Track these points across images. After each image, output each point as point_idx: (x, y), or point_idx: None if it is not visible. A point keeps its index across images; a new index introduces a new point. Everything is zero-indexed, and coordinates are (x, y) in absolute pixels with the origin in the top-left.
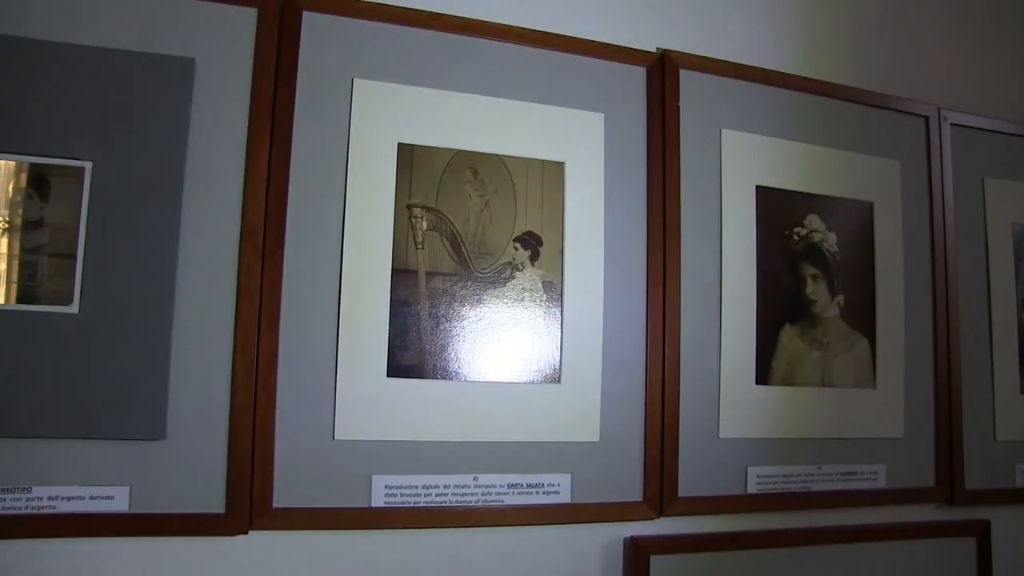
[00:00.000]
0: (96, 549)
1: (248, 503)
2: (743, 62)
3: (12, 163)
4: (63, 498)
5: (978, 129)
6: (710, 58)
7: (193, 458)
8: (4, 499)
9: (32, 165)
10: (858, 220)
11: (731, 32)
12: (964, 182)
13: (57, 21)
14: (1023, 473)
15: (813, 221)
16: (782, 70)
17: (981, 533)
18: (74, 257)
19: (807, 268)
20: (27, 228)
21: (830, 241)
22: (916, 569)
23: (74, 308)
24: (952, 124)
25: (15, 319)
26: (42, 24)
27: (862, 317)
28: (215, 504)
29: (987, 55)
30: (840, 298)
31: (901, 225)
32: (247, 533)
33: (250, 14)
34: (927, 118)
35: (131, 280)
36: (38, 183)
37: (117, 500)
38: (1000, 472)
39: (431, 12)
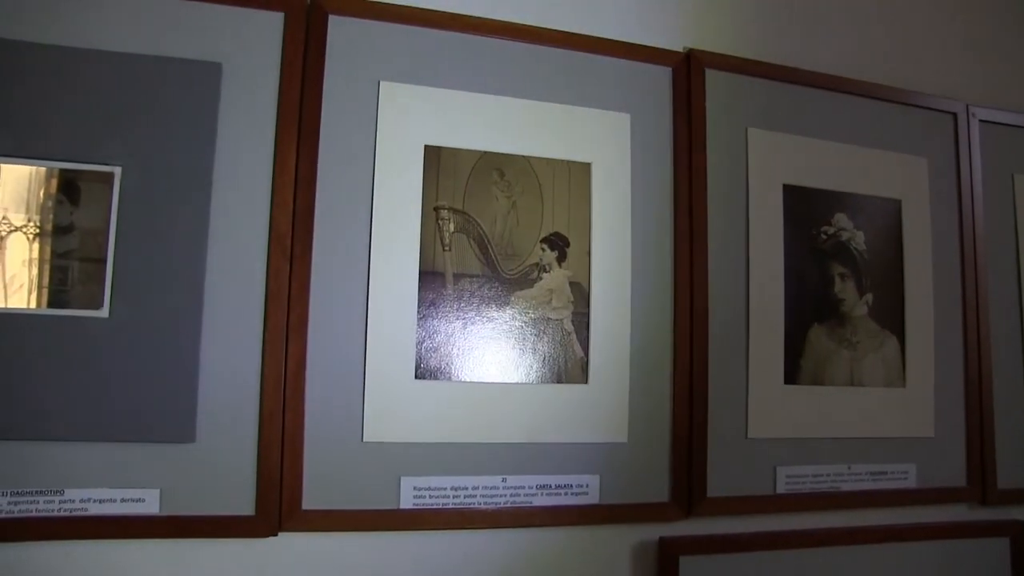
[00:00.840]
0: (127, 551)
1: (278, 505)
2: (768, 60)
3: (43, 169)
4: (95, 500)
5: (1007, 125)
6: (736, 57)
7: (223, 461)
8: (37, 501)
9: (62, 171)
10: (886, 218)
11: (756, 30)
12: (993, 179)
13: (85, 28)
14: None
15: (840, 219)
16: (808, 68)
17: (1015, 533)
18: (104, 261)
19: (835, 267)
20: (58, 233)
21: (858, 239)
22: (948, 570)
23: (104, 312)
24: (981, 120)
25: (47, 323)
26: (70, 31)
27: (891, 316)
28: (245, 506)
29: (1016, 51)
30: (868, 297)
31: (929, 223)
32: (277, 535)
33: (276, 18)
34: (955, 115)
35: (160, 284)
36: (68, 188)
37: (148, 502)
38: None
39: (456, 14)
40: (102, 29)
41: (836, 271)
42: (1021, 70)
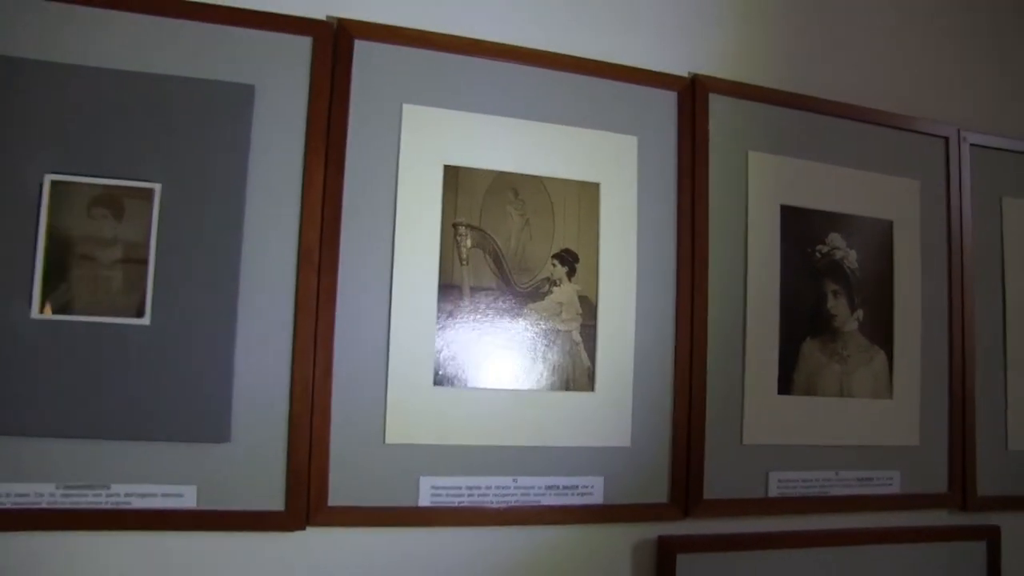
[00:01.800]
0: (166, 542)
1: (306, 501)
2: (769, 85)
3: (89, 184)
4: (137, 495)
5: (996, 149)
6: (737, 82)
7: (255, 459)
8: (86, 495)
9: (106, 187)
10: (878, 238)
11: (757, 56)
12: (982, 201)
13: (127, 51)
14: None
15: (835, 239)
16: (806, 93)
17: (992, 538)
18: (145, 272)
19: (828, 284)
20: (102, 245)
21: (851, 258)
22: (928, 571)
23: (146, 320)
24: (971, 144)
25: (93, 331)
26: (113, 54)
27: (880, 331)
28: (275, 502)
29: (1005, 78)
30: (859, 313)
31: (920, 242)
32: (304, 529)
33: (305, 43)
34: (947, 139)
35: (197, 294)
36: (112, 203)
37: (186, 497)
38: (1011, 480)
39: (474, 39)
40: (143, 53)
41: (829, 288)
42: (1010, 96)
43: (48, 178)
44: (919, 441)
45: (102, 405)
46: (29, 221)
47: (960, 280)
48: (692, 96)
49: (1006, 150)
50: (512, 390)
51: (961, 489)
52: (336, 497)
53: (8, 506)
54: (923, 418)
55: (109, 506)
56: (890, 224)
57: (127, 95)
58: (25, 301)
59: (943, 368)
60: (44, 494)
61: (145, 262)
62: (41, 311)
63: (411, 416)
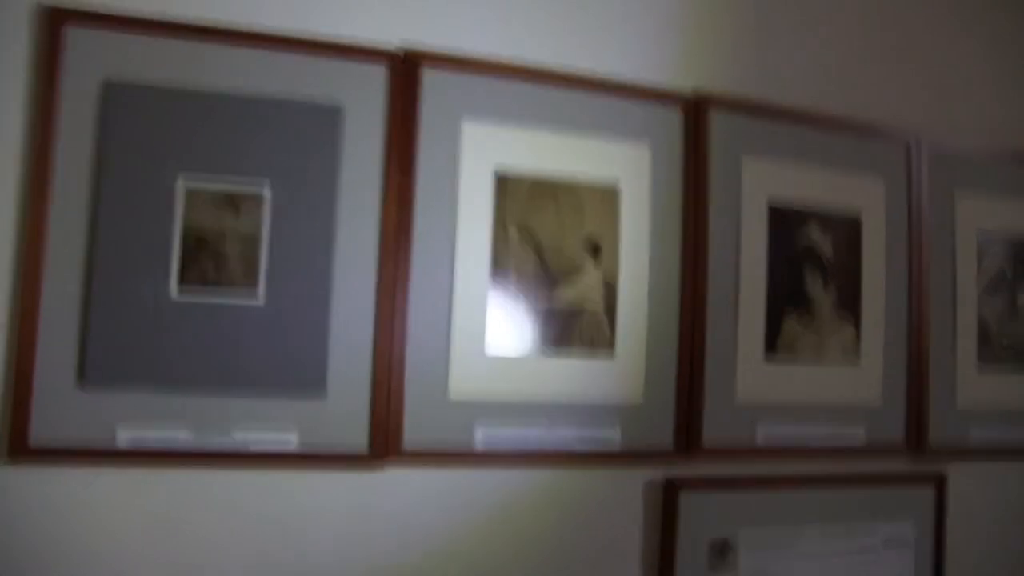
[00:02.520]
0: (275, 478)
1: (385, 446)
2: (760, 99)
3: (214, 188)
4: (253, 439)
5: (951, 154)
6: (734, 98)
7: (345, 411)
8: (212, 438)
9: (228, 190)
10: (848, 229)
11: (752, 74)
12: (937, 198)
13: (241, 79)
14: (976, 436)
15: (812, 230)
16: (790, 104)
17: (939, 483)
18: (258, 260)
19: (806, 268)
20: (225, 238)
21: (826, 247)
22: (888, 510)
23: (260, 301)
24: (930, 148)
25: (218, 308)
26: (231, 82)
27: (850, 307)
28: (361, 446)
29: (960, 88)
30: (833, 292)
31: (884, 233)
32: (383, 469)
33: (381, 70)
34: (908, 144)
35: (300, 278)
36: (233, 203)
37: (290, 442)
38: (958, 433)
39: (518, 65)
40: (254, 80)
41: (807, 271)
42: (965, 105)
43: (182, 182)
44: (881, 400)
45: (225, 367)
46: (168, 219)
47: (918, 265)
48: (696, 110)
49: (960, 153)
50: (549, 356)
51: (916, 441)
52: (409, 442)
53: (152, 447)
54: (885, 381)
55: (230, 448)
56: (858, 217)
57: (242, 115)
58: (166, 283)
59: (902, 339)
60: (180, 438)
61: (258, 252)
62: (178, 291)
63: (468, 377)
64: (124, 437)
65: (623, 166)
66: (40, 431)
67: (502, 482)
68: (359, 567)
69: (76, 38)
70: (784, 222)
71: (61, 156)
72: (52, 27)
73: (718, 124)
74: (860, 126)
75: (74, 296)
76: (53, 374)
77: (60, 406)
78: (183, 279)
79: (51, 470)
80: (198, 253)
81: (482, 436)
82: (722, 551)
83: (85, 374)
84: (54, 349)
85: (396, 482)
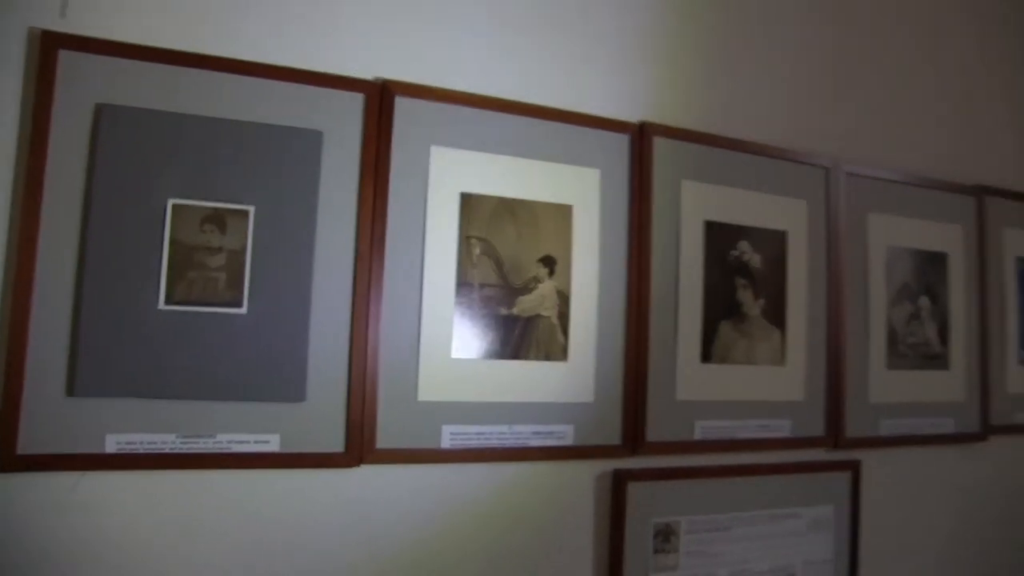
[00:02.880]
0: (258, 477)
1: (360, 446)
2: (698, 129)
3: (201, 206)
4: (236, 442)
5: (866, 176)
6: (675, 127)
7: (323, 414)
8: (198, 442)
9: (213, 208)
10: (776, 244)
11: (691, 105)
12: (853, 216)
13: (228, 104)
14: (886, 427)
15: (744, 246)
16: (724, 134)
17: (854, 469)
18: (243, 273)
19: (739, 280)
20: (211, 253)
21: (755, 260)
22: (810, 495)
23: (244, 310)
24: (847, 172)
25: (204, 318)
26: (218, 106)
27: (777, 314)
28: (338, 446)
29: (875, 116)
30: (761, 301)
31: (806, 248)
32: (359, 466)
33: (359, 98)
34: (827, 168)
35: (281, 289)
36: (219, 221)
37: (272, 443)
38: (869, 425)
39: (483, 95)
40: (240, 105)
41: (739, 283)
42: (877, 134)
43: (170, 201)
44: (803, 397)
45: (211, 374)
46: (157, 234)
47: (836, 276)
48: (641, 138)
49: (872, 177)
50: (508, 360)
51: (834, 433)
52: (382, 441)
53: (141, 451)
54: (807, 380)
55: (215, 451)
56: (784, 234)
57: (229, 138)
58: (154, 295)
59: (822, 342)
60: (167, 441)
61: (243, 265)
62: (166, 303)
63: (436, 380)
64: (112, 442)
65: (576, 188)
66: (29, 439)
67: (467, 477)
68: (337, 559)
69: (70, 62)
70: (719, 239)
71: (54, 174)
72: (46, 51)
73: (661, 151)
74: (785, 153)
75: (65, 308)
76: (44, 383)
77: (50, 414)
78: (170, 291)
79: (41, 475)
80: (185, 267)
81: (448, 435)
82: (666, 535)
83: (75, 383)
84: (45, 359)
85: (371, 479)
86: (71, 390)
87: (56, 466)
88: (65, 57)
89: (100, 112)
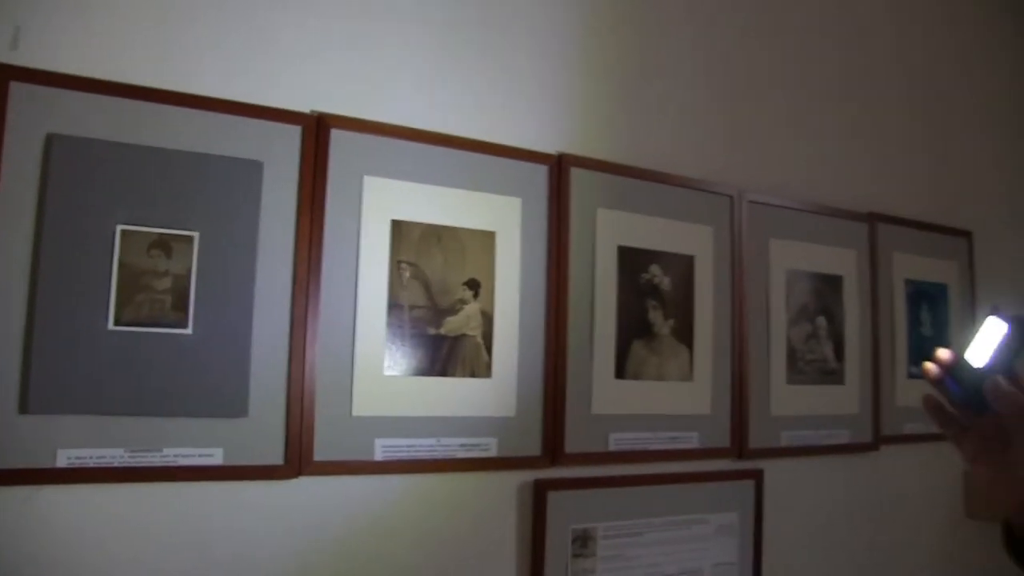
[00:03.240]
0: (203, 489)
1: (299, 458)
2: (611, 160)
3: (148, 232)
4: (182, 455)
5: (767, 204)
6: (592, 158)
7: (264, 428)
8: (145, 455)
9: (160, 234)
10: (684, 268)
11: (605, 137)
12: (755, 241)
13: (174, 135)
14: (786, 438)
15: (654, 269)
16: (636, 164)
17: (758, 478)
18: (188, 296)
19: (649, 301)
20: (157, 277)
21: (665, 283)
22: (718, 502)
23: (189, 331)
24: (749, 200)
25: (151, 338)
26: (165, 137)
27: (685, 333)
28: (278, 458)
29: (775, 149)
30: (671, 321)
31: (712, 271)
32: (298, 477)
33: (296, 130)
34: (731, 196)
35: (225, 311)
36: (165, 246)
37: (216, 457)
38: (771, 436)
39: (412, 128)
40: (186, 136)
41: (650, 304)
42: (779, 163)
43: (119, 227)
44: (710, 410)
45: (158, 391)
46: (106, 259)
47: (740, 298)
48: (559, 169)
49: (773, 205)
50: (436, 378)
51: (739, 443)
52: (319, 454)
53: (91, 465)
54: (713, 394)
55: (162, 464)
56: (692, 258)
57: (175, 167)
58: (103, 317)
59: (727, 359)
60: (117, 456)
61: (188, 288)
62: (115, 324)
63: (369, 396)
64: (64, 457)
65: (499, 216)
66: None
67: (399, 487)
68: (278, 567)
69: (21, 94)
70: (631, 263)
71: (6, 201)
72: None
73: (577, 181)
74: (693, 182)
75: (18, 329)
76: None
77: (3, 431)
78: (119, 313)
79: None
80: (133, 290)
81: (381, 448)
82: (584, 541)
83: (27, 400)
84: None
85: (309, 490)
86: (24, 407)
87: (9, 481)
88: (16, 88)
89: (51, 142)
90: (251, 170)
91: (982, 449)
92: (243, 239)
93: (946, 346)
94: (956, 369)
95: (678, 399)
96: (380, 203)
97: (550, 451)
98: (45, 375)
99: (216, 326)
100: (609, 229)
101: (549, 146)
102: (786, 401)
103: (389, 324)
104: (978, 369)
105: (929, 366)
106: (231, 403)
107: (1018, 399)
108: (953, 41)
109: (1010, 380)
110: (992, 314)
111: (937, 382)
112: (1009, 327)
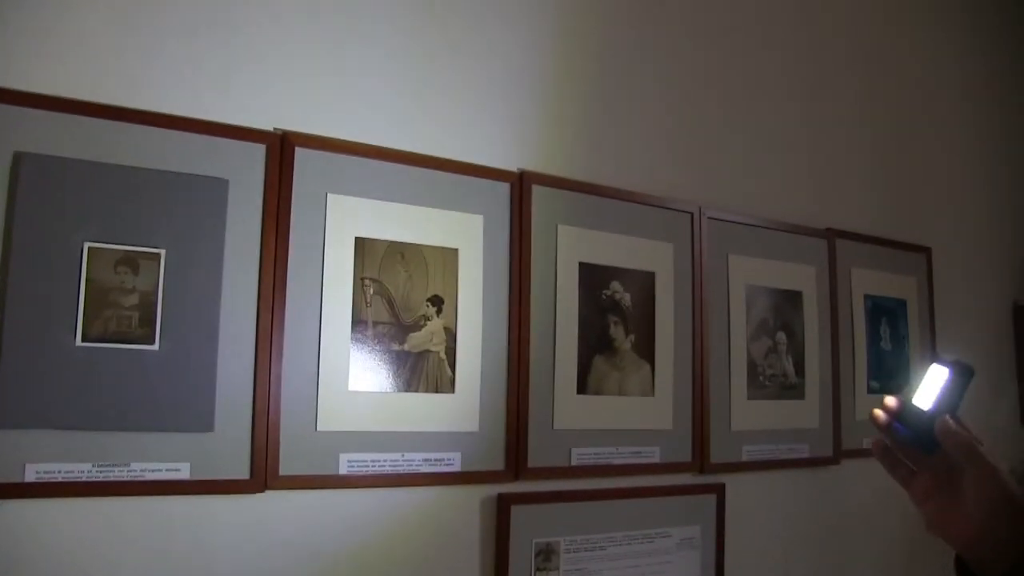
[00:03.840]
0: (170, 503)
1: (264, 472)
2: (573, 177)
3: (115, 249)
4: (149, 470)
5: (726, 221)
6: (552, 175)
7: (230, 443)
8: (112, 470)
9: (126, 251)
10: (645, 284)
11: (566, 155)
12: (715, 257)
13: (141, 153)
14: (747, 452)
15: (615, 285)
16: (596, 182)
17: (719, 491)
18: (155, 312)
19: (611, 317)
20: (124, 293)
21: (627, 299)
22: (680, 516)
23: (156, 347)
24: (708, 217)
25: (118, 354)
26: (132, 155)
27: (646, 349)
28: (243, 472)
29: (734, 167)
30: (632, 337)
31: (673, 287)
32: (264, 492)
33: (261, 149)
34: (692, 213)
35: (190, 327)
36: (132, 263)
37: (183, 471)
38: (732, 451)
39: (376, 146)
40: (152, 154)
41: (611, 320)
42: (738, 180)
43: (86, 245)
44: (672, 425)
45: (125, 406)
46: (73, 276)
47: (700, 313)
48: (520, 186)
49: (732, 221)
50: (400, 393)
51: (700, 458)
52: (285, 468)
53: (59, 479)
54: (675, 409)
55: (128, 478)
56: (653, 275)
57: (141, 185)
58: (71, 333)
59: (688, 374)
60: (84, 470)
61: (155, 305)
62: (82, 340)
63: (334, 411)
64: (32, 471)
65: (461, 232)
66: None
67: (363, 501)
68: None
69: None
70: (592, 279)
71: None
72: None
73: (539, 198)
74: (653, 199)
75: None
76: None
77: None
78: (87, 329)
79: None
80: (100, 306)
81: (346, 462)
82: (547, 554)
83: None
84: None
85: (274, 504)
86: None
87: None
88: None
89: (19, 160)
90: (217, 188)
91: (932, 487)
92: (209, 256)
93: (906, 360)
94: (903, 413)
95: (640, 414)
96: (344, 220)
97: (513, 466)
98: (13, 390)
99: (182, 342)
100: (570, 246)
101: (511, 163)
102: (747, 416)
103: (353, 340)
104: (925, 412)
105: (878, 412)
106: (197, 418)
107: (966, 437)
108: (911, 58)
109: (955, 421)
110: (934, 361)
111: (886, 427)
112: (950, 372)
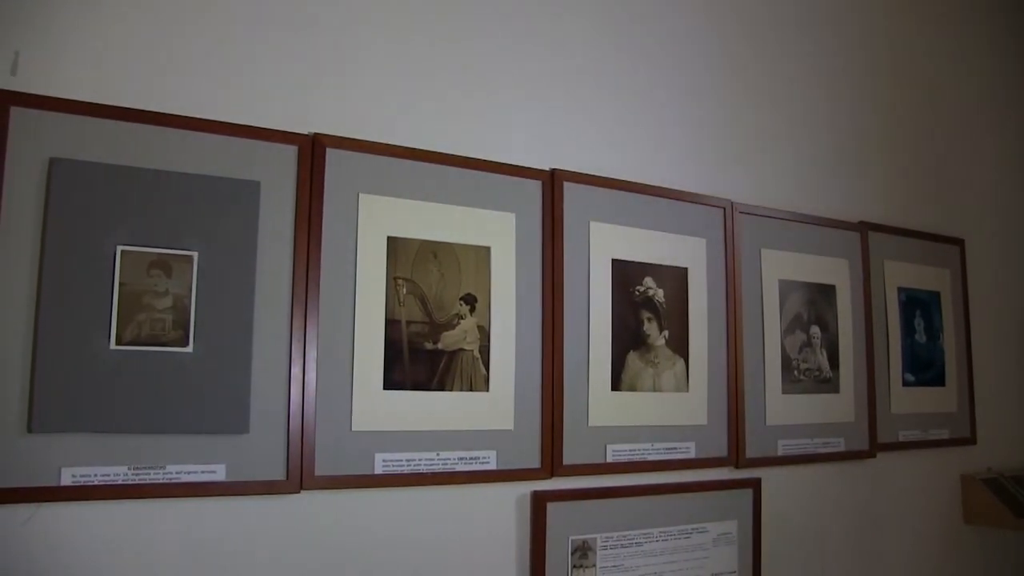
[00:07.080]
0: (205, 505)
1: (300, 473)
2: (607, 175)
3: (148, 252)
4: (185, 472)
5: (758, 215)
6: (585, 173)
7: (265, 444)
8: (149, 473)
9: (160, 254)
10: (678, 280)
11: (599, 154)
12: (748, 252)
13: (174, 157)
14: (783, 447)
15: (648, 281)
16: (630, 179)
17: (756, 486)
18: (188, 315)
19: (644, 313)
20: (157, 296)
21: (660, 295)
22: (716, 511)
23: (189, 349)
24: (741, 212)
25: (152, 357)
26: (165, 159)
27: (680, 345)
28: (279, 474)
29: (765, 163)
30: (666, 332)
31: (706, 282)
32: (300, 492)
33: (293, 150)
34: (724, 208)
35: (225, 329)
36: (165, 266)
37: (218, 473)
38: (768, 445)
39: (407, 147)
40: (185, 158)
41: (645, 316)
42: (771, 174)
43: (119, 248)
44: (707, 421)
45: (160, 409)
46: (107, 280)
47: (734, 308)
48: (552, 184)
49: (765, 216)
50: (435, 392)
51: (736, 453)
52: (320, 469)
53: (95, 483)
54: (709, 405)
55: (164, 480)
56: (686, 270)
57: (174, 188)
58: (105, 336)
59: (723, 370)
60: (120, 473)
61: (188, 307)
62: (116, 344)
63: (368, 411)
64: (68, 475)
65: (493, 231)
66: None
67: (398, 500)
68: None
69: (22, 119)
70: (625, 276)
71: (9, 224)
72: None
73: (570, 196)
74: (686, 195)
75: (23, 350)
76: (3, 421)
77: (8, 450)
78: (120, 333)
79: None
80: (134, 310)
81: (381, 462)
82: (583, 551)
83: (32, 420)
84: (4, 398)
85: (311, 505)
86: (29, 427)
87: (13, 499)
88: (17, 114)
89: (53, 166)
90: (249, 190)
91: None
92: (242, 258)
93: (940, 352)
94: None
95: (674, 410)
96: (376, 220)
97: (548, 463)
98: (49, 395)
99: (216, 344)
100: (603, 242)
101: (542, 162)
102: (782, 410)
103: (387, 340)
104: None
105: None
106: (232, 420)
107: None
108: (944, 49)
109: None
110: None
111: None
112: None
